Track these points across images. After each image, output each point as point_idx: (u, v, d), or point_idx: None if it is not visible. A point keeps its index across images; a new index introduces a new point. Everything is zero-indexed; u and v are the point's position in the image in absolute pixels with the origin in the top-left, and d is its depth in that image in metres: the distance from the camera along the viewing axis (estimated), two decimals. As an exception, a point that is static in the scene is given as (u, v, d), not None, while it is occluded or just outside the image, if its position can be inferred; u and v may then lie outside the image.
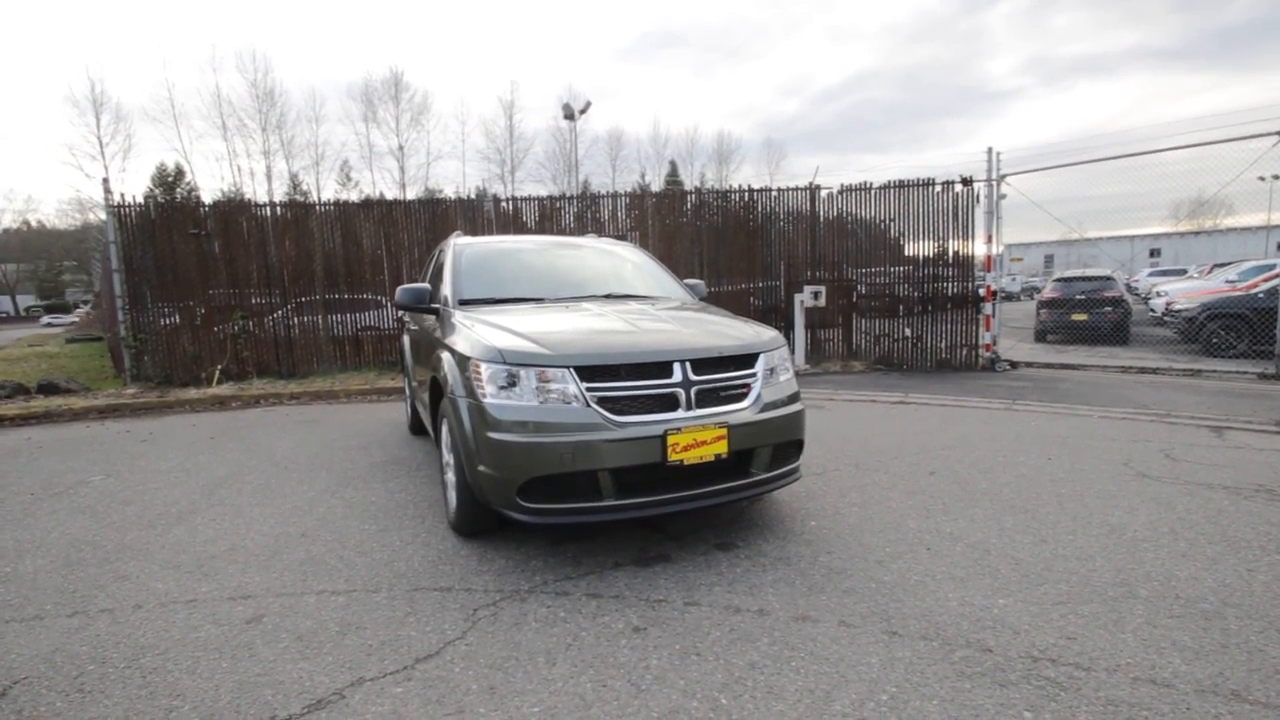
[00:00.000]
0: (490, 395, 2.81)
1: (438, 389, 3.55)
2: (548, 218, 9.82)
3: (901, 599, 2.50)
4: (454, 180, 43.58)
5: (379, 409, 7.42)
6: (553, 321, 3.29)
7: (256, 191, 36.27)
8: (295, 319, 9.67)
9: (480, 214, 9.90)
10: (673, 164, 41.45)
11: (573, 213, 10.01)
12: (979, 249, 9.53)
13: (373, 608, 2.58)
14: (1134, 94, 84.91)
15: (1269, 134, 7.47)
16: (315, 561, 3.06)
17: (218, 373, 9.03)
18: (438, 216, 9.87)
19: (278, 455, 5.24)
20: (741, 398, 3.01)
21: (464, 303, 3.76)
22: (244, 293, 9.44)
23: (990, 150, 9.22)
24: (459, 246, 4.36)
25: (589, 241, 4.98)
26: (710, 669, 2.08)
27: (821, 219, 9.81)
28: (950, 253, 9.40)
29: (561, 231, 9.70)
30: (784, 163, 45.41)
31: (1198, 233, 38.54)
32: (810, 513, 3.47)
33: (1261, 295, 10.29)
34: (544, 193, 9.75)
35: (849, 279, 9.93)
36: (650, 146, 44.78)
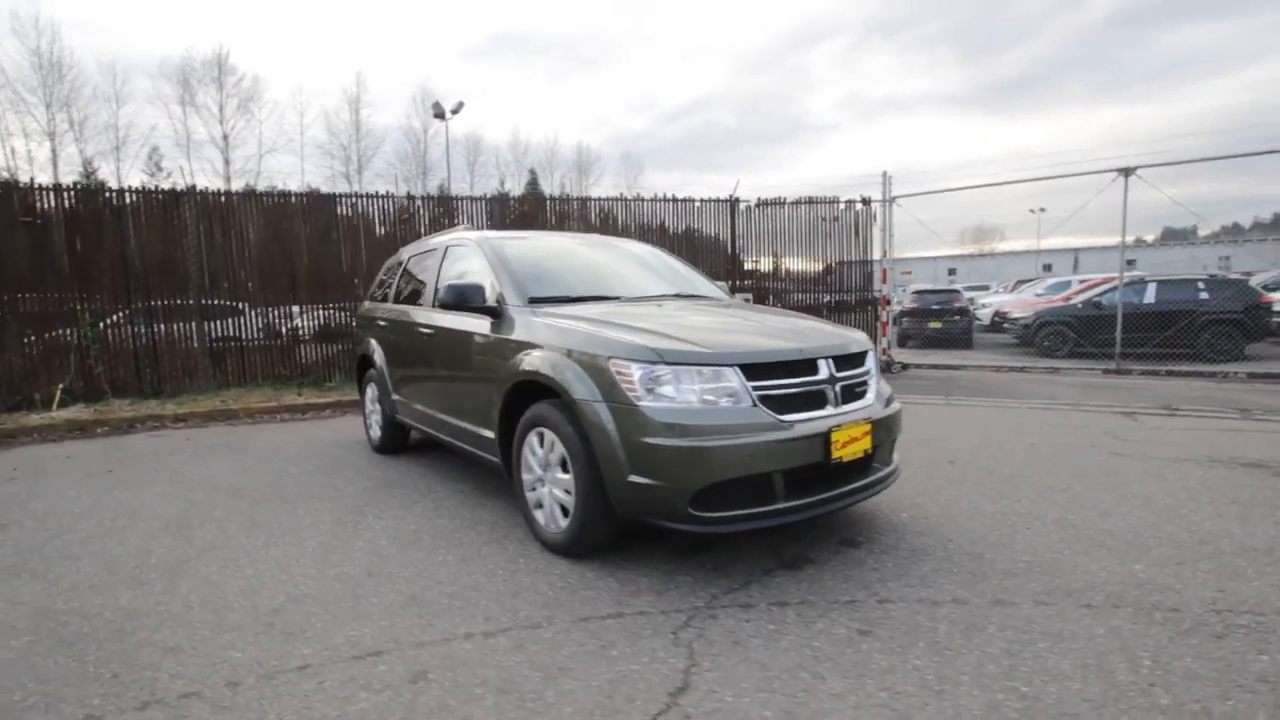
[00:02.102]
0: (646, 398, 2.58)
1: (515, 398, 3.20)
2: (403, 221, 9.14)
3: (1054, 575, 2.67)
4: (291, 175, 39.35)
5: (304, 428, 6.48)
6: (678, 319, 3.10)
7: (37, 177, 30.07)
8: (161, 327, 8.15)
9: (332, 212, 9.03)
10: (533, 172, 40.84)
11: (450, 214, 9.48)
12: (876, 260, 10.51)
13: (552, 645, 2.24)
14: (933, 130, 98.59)
15: (1104, 170, 9.07)
16: (421, 602, 2.59)
17: (59, 392, 7.34)
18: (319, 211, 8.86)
19: (225, 486, 4.37)
20: (865, 394, 3.05)
21: (534, 301, 3.41)
22: (93, 296, 7.78)
23: (885, 174, 10.23)
24: (493, 242, 3.95)
25: (615, 240, 4.76)
26: (975, 661, 2.08)
27: (739, 231, 10.23)
28: (853, 263, 10.26)
29: (415, 234, 9.06)
30: (641, 177, 46.62)
31: (982, 255, 45.66)
32: (886, 505, 3.58)
33: (1079, 305, 12.44)
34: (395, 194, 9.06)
35: (765, 287, 10.45)
36: (510, 153, 43.77)
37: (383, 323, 5.04)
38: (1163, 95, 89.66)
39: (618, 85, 75.38)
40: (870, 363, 3.16)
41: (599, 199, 9.87)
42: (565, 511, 2.94)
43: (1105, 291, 12.44)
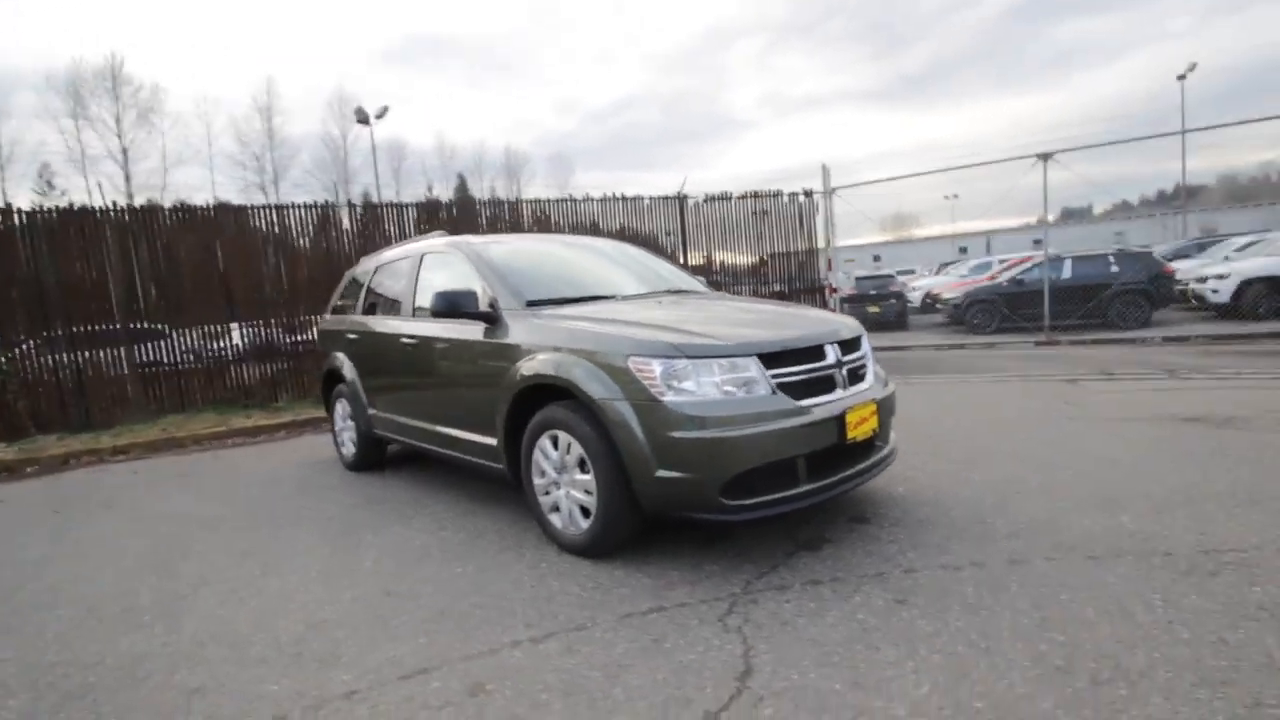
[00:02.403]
0: (669, 393, 2.60)
1: (521, 402, 3.16)
2: (323, 230, 8.83)
3: (1054, 533, 2.86)
4: (200, 189, 36.93)
5: (262, 452, 6.16)
6: (684, 314, 3.13)
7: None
8: (85, 355, 7.56)
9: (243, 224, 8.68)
10: (461, 177, 39.94)
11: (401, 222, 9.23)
12: (821, 249, 10.86)
13: (604, 644, 2.24)
14: (850, 124, 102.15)
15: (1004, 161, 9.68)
16: (453, 616, 2.53)
17: (-27, 434, 6.70)
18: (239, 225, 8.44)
19: (195, 517, 4.12)
20: (866, 376, 3.17)
21: (532, 304, 3.37)
22: (3, 325, 7.13)
23: (824, 167, 10.58)
24: (476, 247, 3.86)
25: (594, 240, 4.75)
26: (1009, 617, 2.20)
27: (686, 224, 10.35)
28: (799, 253, 10.57)
29: (338, 245, 8.79)
30: (572, 178, 46.32)
31: (902, 241, 47.78)
32: (881, 482, 3.73)
33: (1004, 284, 13.23)
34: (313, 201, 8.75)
35: (713, 280, 10.62)
36: (435, 158, 42.49)
37: (352, 335, 4.85)
38: (1055, 84, 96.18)
39: (539, 88, 74.71)
40: (865, 346, 3.29)
41: (546, 200, 9.78)
42: (586, 512, 2.93)
43: (1025, 270, 13.29)
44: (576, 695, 1.97)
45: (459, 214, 9.77)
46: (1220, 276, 11.60)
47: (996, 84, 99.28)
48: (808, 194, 10.58)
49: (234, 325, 8.46)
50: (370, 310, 4.81)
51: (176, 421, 7.42)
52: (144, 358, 7.92)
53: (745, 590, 2.55)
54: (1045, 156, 9.37)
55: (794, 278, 10.70)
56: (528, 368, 3.09)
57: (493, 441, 3.41)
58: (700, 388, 2.62)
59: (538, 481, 3.15)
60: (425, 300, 4.07)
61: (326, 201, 8.98)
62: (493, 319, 3.41)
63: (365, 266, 5.18)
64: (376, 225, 8.97)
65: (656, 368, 2.63)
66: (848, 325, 3.26)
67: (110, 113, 31.24)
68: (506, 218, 9.76)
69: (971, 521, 3.06)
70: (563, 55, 76.68)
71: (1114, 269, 12.07)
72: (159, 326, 8.22)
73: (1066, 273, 12.23)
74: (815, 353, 2.89)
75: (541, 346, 3.08)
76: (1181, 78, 24.82)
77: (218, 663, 2.33)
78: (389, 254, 4.90)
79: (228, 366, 8.34)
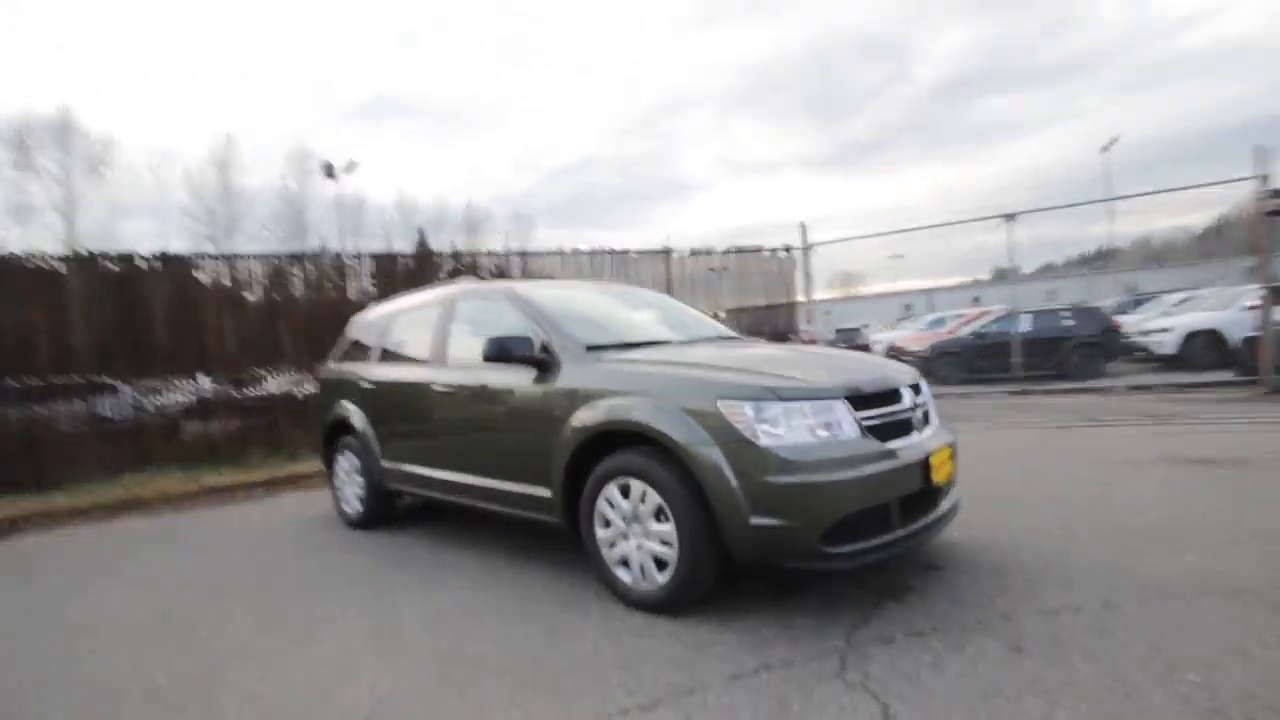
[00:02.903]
0: (765, 437, 2.52)
1: (580, 453, 3.02)
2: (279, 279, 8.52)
3: (1129, 575, 2.84)
4: (149, 240, 35.24)
5: (245, 512, 5.72)
6: (757, 357, 3.08)
7: None
8: (36, 410, 6.96)
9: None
10: (421, 231, 39.21)
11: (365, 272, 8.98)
12: (801, 302, 11.12)
13: (727, 710, 2.06)
14: (795, 187, 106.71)
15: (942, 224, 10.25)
16: (538, 684, 2.32)
17: (-96, 497, 6.01)
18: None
19: (194, 583, 3.74)
20: (931, 420, 3.17)
21: (592, 349, 3.27)
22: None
23: (802, 225, 10.95)
24: (522, 291, 3.76)
25: (622, 286, 4.71)
26: (1136, 661, 2.14)
27: (673, 279, 10.47)
28: (780, 304, 10.80)
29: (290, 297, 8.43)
30: (533, 233, 46.49)
31: (849, 298, 49.69)
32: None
33: (968, 337, 13.79)
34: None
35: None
36: (396, 213, 41.87)
37: (366, 385, 4.61)
38: (980, 156, 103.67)
39: (498, 147, 75.63)
40: (926, 391, 3.30)
41: (541, 253, 9.76)
42: (660, 565, 2.78)
43: (985, 324, 13.93)
44: None
45: (418, 265, 9.37)
46: (1165, 330, 12.38)
47: (926, 154, 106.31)
48: (787, 249, 10.89)
49: (193, 378, 7.98)
50: (387, 358, 4.60)
51: (139, 480, 6.84)
52: (101, 412, 7.36)
53: (849, 644, 2.43)
54: (1010, 217, 9.95)
55: (778, 329, 10.87)
56: (593, 414, 2.96)
57: (545, 493, 3.23)
58: (792, 431, 2.55)
59: (602, 534, 2.98)
60: (461, 347, 3.94)
61: (280, 255, 8.58)
62: (546, 365, 3.28)
63: (378, 313, 4.98)
64: (341, 276, 8.66)
65: (749, 410, 2.55)
66: (909, 371, 3.27)
67: (56, 163, 29.92)
68: (496, 270, 9.63)
69: (1043, 567, 3.03)
70: (522, 115, 78.45)
71: (1068, 323, 12.75)
72: (109, 380, 7.69)
73: (1026, 326, 12.84)
74: (894, 395, 2.87)
75: (608, 391, 2.97)
76: (1105, 149, 27.32)
77: (284, 749, 2.06)
78: (407, 301, 4.73)
79: (189, 422, 7.82)
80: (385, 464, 4.41)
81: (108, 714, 2.36)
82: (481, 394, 3.61)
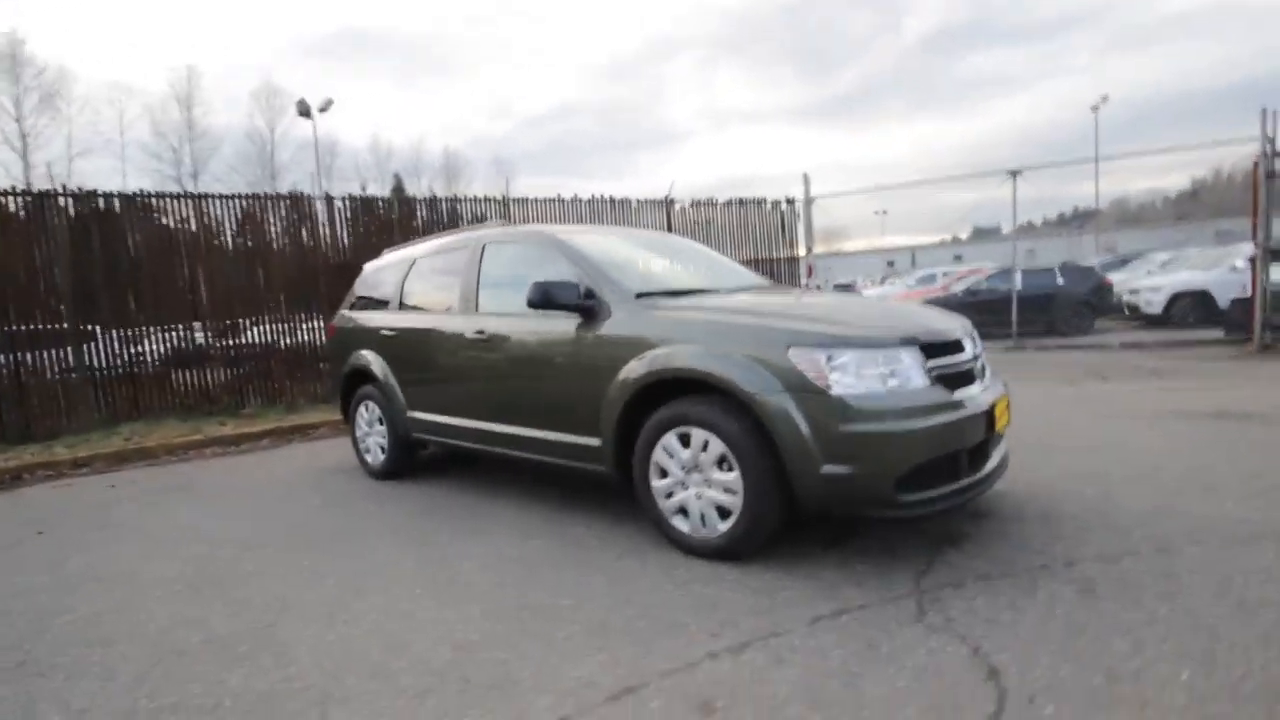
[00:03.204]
0: (838, 385, 2.48)
1: (637, 402, 2.96)
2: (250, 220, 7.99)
3: (1176, 520, 2.89)
4: (109, 179, 33.57)
5: (255, 462, 5.61)
6: (818, 306, 3.02)
7: None
8: (24, 357, 6.68)
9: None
10: (398, 177, 38.30)
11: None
12: (802, 255, 11.05)
13: (816, 652, 2.08)
14: (782, 139, 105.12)
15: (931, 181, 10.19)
16: (618, 630, 2.31)
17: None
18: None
19: (222, 536, 3.66)
20: (986, 371, 3.16)
21: (641, 296, 3.18)
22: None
23: (805, 176, 10.79)
24: (562, 235, 3.63)
25: (659, 234, 4.59)
26: (1207, 600, 2.19)
27: (674, 229, 10.29)
28: (781, 257, 10.72)
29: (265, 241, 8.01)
30: (514, 182, 45.40)
31: (833, 254, 49.71)
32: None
33: (960, 294, 13.90)
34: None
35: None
36: (370, 156, 40.42)
37: (388, 332, 4.47)
38: (968, 111, 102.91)
39: (474, 91, 73.17)
40: (979, 342, 3.28)
41: (537, 200, 9.48)
42: (722, 513, 2.76)
43: (979, 281, 14.05)
44: (828, 709, 1.81)
45: (403, 212, 8.94)
46: (1154, 289, 12.60)
47: (913, 109, 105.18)
48: (790, 202, 10.75)
49: (176, 327, 7.72)
50: (409, 305, 4.46)
51: (136, 430, 6.66)
52: (92, 360, 7.09)
53: (919, 588, 2.46)
54: (1015, 173, 9.90)
55: (779, 281, 10.81)
56: (650, 363, 2.90)
57: (593, 441, 3.19)
58: (864, 379, 2.51)
59: (658, 483, 2.95)
60: (494, 293, 3.83)
61: (254, 195, 8.07)
62: (592, 312, 3.19)
63: (395, 259, 4.81)
64: (309, 220, 8.21)
65: (821, 358, 2.51)
66: (964, 321, 3.25)
67: (9, 95, 28.26)
68: (486, 216, 9.34)
69: (1090, 513, 3.09)
70: (498, 57, 75.58)
71: (1060, 281, 12.90)
72: (90, 327, 7.39)
73: (1020, 284, 12.97)
74: (957, 346, 2.85)
75: (665, 339, 2.90)
76: (1095, 108, 27.07)
77: (378, 697, 2.02)
78: (427, 246, 4.56)
79: (178, 371, 7.58)
80: (411, 414, 4.32)
81: (177, 663, 2.30)
82: (523, 342, 3.51)
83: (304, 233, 8.25)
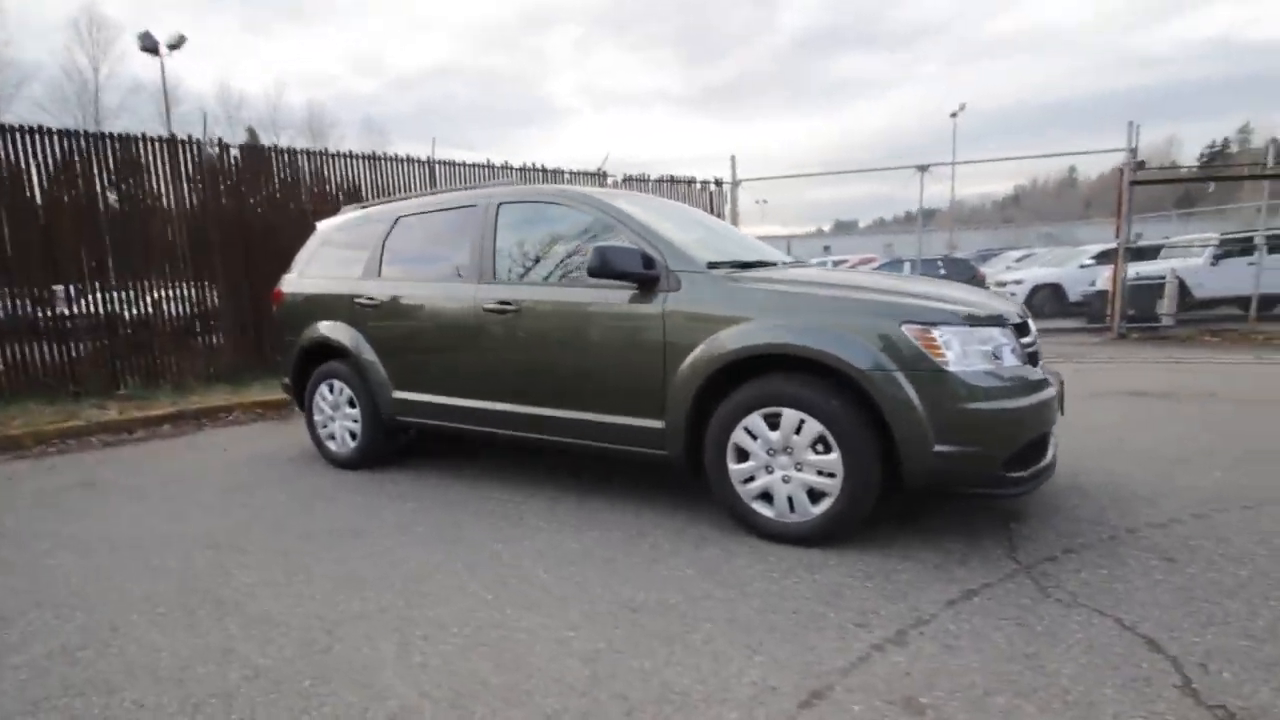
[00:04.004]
0: (955, 362, 2.45)
1: (717, 381, 2.77)
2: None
3: (1181, 492, 3.19)
4: None
5: (163, 451, 4.75)
6: (895, 282, 2.96)
7: None
8: None
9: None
10: (252, 131, 33.93)
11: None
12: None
13: (980, 635, 2.03)
14: (661, 125, 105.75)
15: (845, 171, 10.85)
16: (747, 626, 2.14)
17: None
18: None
19: (184, 543, 3.03)
20: (1031, 352, 3.28)
21: (713, 266, 2.96)
22: None
23: (732, 159, 10.91)
24: (603, 198, 3.30)
25: (680, 205, 4.33)
26: (1272, 558, 2.42)
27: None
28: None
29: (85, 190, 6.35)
30: (388, 147, 41.99)
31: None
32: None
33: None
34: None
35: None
36: (217, 106, 35.53)
37: (365, 302, 3.89)
38: (834, 110, 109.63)
39: (337, 42, 66.91)
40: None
41: (463, 164, 8.77)
42: (813, 496, 2.66)
43: (873, 270, 15.06)
44: (1033, 695, 1.76)
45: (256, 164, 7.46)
46: (1018, 282, 14.14)
47: (787, 105, 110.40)
48: (718, 183, 10.81)
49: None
50: (393, 270, 3.91)
51: (-16, 417, 5.39)
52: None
53: (1021, 564, 2.50)
54: (923, 168, 10.61)
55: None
56: (741, 337, 2.71)
57: (655, 424, 2.96)
58: (971, 357, 2.50)
59: (736, 467, 2.79)
60: (513, 260, 3.45)
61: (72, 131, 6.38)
62: (653, 282, 2.94)
63: (367, 216, 4.20)
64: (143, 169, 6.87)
65: (937, 335, 2.46)
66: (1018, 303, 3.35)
67: None
68: (352, 190, 8.29)
69: (1107, 487, 3.29)
70: (363, 7, 69.57)
71: (942, 272, 14.11)
72: None
73: (908, 273, 14.04)
74: (1027, 327, 2.92)
75: (751, 313, 2.72)
76: (954, 115, 29.72)
77: (512, 706, 1.71)
78: (416, 202, 4.02)
79: (42, 344, 6.24)
80: (398, 395, 3.81)
81: (232, 713, 1.83)
82: (564, 314, 3.18)
83: (187, 186, 7.04)
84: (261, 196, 7.48)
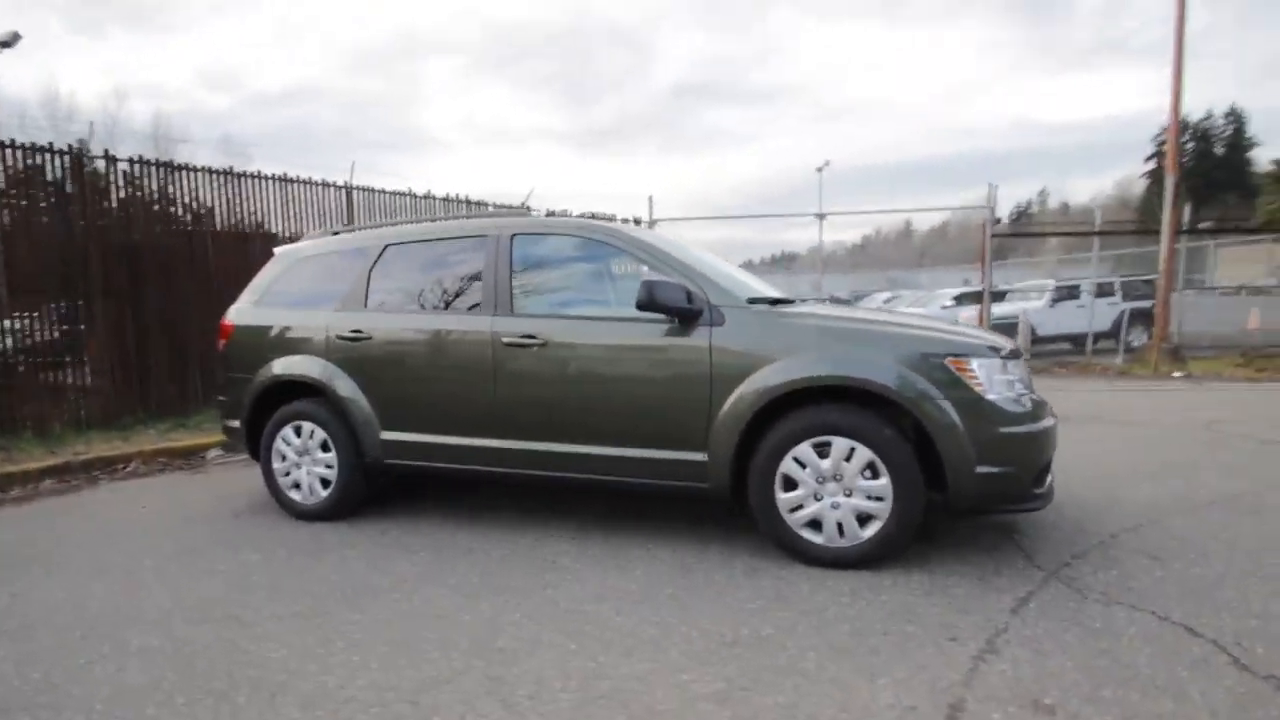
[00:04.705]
0: (991, 390, 2.70)
1: (766, 413, 2.85)
2: None
3: (1134, 498, 3.69)
4: None
5: (52, 511, 4.02)
6: (917, 317, 3.18)
7: None
8: None
9: None
10: (82, 143, 29.50)
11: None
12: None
13: (1067, 646, 2.21)
14: (539, 160, 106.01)
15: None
16: (852, 652, 2.19)
17: None
18: None
19: (162, 612, 2.60)
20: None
21: (752, 301, 3.05)
22: None
23: (650, 199, 11.22)
24: (631, 231, 3.32)
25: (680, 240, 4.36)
26: (1249, 556, 2.84)
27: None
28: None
29: None
30: (250, 167, 38.30)
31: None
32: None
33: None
34: None
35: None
36: (40, 114, 30.67)
37: (347, 336, 3.57)
38: (706, 157, 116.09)
39: (187, 53, 61.08)
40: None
41: (381, 191, 8.32)
42: (861, 521, 2.79)
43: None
44: (1132, 684, 1.94)
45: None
46: (893, 320, 15.63)
47: (661, 150, 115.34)
48: (637, 222, 11.05)
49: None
50: (384, 302, 3.64)
51: None
52: None
53: (1045, 569, 2.75)
54: (821, 216, 11.54)
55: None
56: (794, 369, 2.80)
57: (697, 456, 2.97)
58: (1001, 386, 2.77)
59: (785, 496, 2.86)
60: (532, 292, 3.37)
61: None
62: (692, 316, 2.98)
63: (343, 245, 3.89)
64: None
65: (976, 365, 2.70)
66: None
67: None
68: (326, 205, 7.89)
69: (1063, 504, 3.69)
70: (217, 18, 64.42)
71: (829, 310, 15.32)
72: None
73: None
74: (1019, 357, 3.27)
75: (798, 347, 2.84)
76: (820, 169, 32.48)
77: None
78: (408, 230, 3.81)
79: None
80: (388, 436, 3.51)
81: None
82: (598, 348, 3.13)
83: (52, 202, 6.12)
84: (148, 216, 6.65)
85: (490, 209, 9.38)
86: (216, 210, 7.06)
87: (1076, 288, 13.42)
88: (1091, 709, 1.85)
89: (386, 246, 3.72)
